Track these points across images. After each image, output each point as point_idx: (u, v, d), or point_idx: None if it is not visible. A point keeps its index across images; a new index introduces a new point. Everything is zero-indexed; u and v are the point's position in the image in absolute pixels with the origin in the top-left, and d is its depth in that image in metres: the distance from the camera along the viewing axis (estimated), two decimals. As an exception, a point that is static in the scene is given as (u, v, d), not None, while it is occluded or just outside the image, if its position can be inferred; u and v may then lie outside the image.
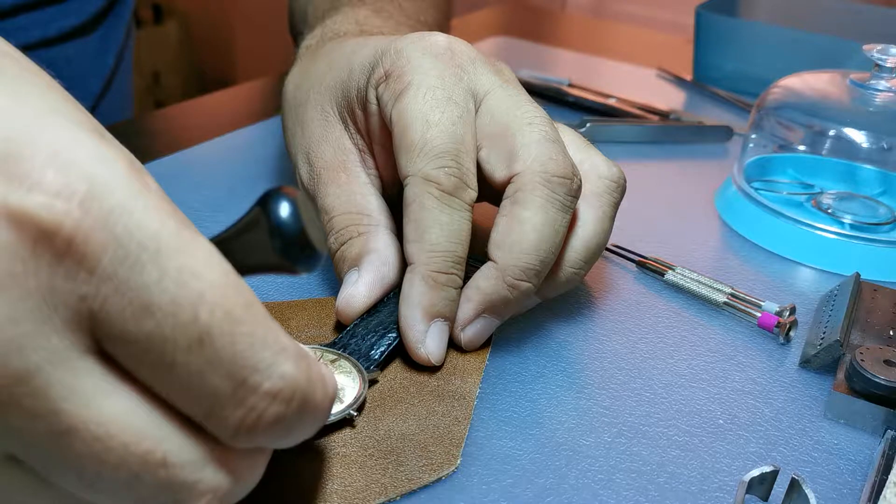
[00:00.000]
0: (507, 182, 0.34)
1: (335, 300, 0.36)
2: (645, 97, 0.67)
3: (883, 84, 0.49)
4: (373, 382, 0.33)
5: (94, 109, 0.69)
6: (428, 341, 0.33)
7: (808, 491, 0.28)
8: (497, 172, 0.34)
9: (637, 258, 0.44)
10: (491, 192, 0.36)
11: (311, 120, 0.39)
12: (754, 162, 0.53)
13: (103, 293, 0.18)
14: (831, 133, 0.50)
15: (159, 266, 0.19)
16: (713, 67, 0.73)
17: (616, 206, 0.37)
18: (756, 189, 0.50)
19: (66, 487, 0.20)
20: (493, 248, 0.33)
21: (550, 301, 0.39)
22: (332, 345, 0.34)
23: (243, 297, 0.20)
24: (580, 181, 0.34)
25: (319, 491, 0.28)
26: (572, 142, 0.37)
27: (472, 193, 0.33)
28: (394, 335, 0.34)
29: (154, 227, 0.19)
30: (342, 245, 0.36)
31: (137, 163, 0.22)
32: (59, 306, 0.18)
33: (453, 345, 0.35)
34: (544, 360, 0.36)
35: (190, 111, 0.65)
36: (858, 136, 0.49)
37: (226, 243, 0.22)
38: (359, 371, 0.32)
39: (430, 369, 0.34)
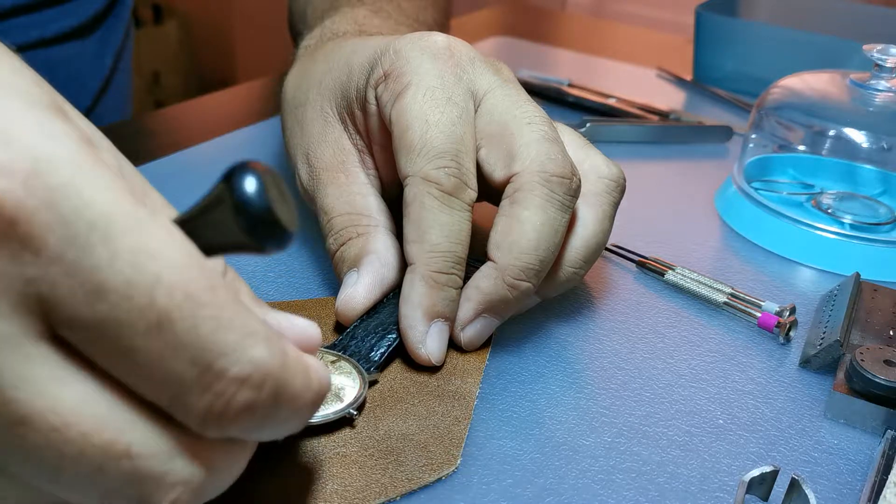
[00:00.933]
0: (507, 182, 0.34)
1: (335, 300, 0.36)
2: (645, 97, 0.67)
3: (883, 84, 0.49)
4: (373, 383, 0.33)
5: (92, 109, 0.69)
6: (428, 342, 0.33)
7: (808, 491, 0.28)
8: (496, 172, 0.34)
9: (637, 258, 0.44)
10: (491, 191, 0.36)
11: (311, 120, 0.39)
12: (754, 162, 0.53)
13: (52, 275, 0.17)
14: (831, 133, 0.50)
15: (111, 246, 0.18)
16: (713, 67, 0.73)
17: (616, 205, 0.37)
18: (756, 189, 0.50)
19: (29, 481, 0.19)
20: (493, 248, 0.33)
21: (550, 301, 0.39)
22: (332, 346, 0.34)
23: (206, 279, 0.19)
24: (579, 180, 0.34)
25: (319, 491, 0.28)
26: (572, 141, 0.37)
27: (472, 193, 0.33)
28: (393, 336, 0.34)
29: (105, 205, 0.18)
30: (341, 246, 0.36)
31: (98, 139, 0.21)
32: (5, 290, 0.17)
33: (453, 345, 0.35)
34: (544, 360, 0.36)
35: (190, 111, 0.65)
36: (858, 136, 0.49)
37: (189, 223, 0.20)
38: (359, 372, 0.32)
39: (431, 369, 0.34)
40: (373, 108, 0.36)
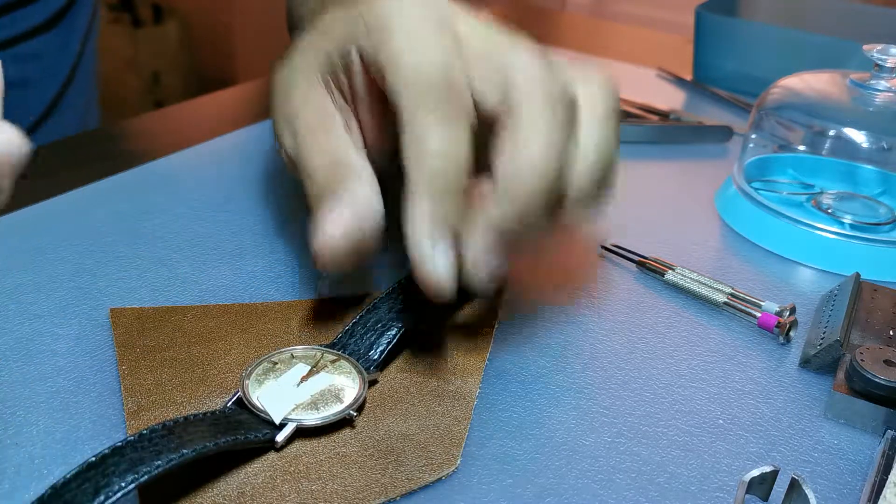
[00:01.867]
0: (500, 107, 0.33)
1: (335, 300, 0.36)
2: (645, 97, 0.67)
3: (883, 84, 0.49)
4: (373, 383, 0.33)
5: (62, 94, 0.71)
6: (437, 257, 0.31)
7: (808, 491, 0.28)
8: (488, 99, 0.33)
9: (637, 258, 0.44)
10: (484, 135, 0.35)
11: (295, 87, 0.38)
12: (754, 162, 0.53)
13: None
14: (831, 133, 0.50)
15: None
16: (713, 67, 0.73)
17: (614, 115, 0.36)
18: (756, 189, 0.50)
19: None
20: (500, 174, 0.32)
21: (550, 302, 0.39)
22: (331, 345, 0.34)
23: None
24: (575, 97, 0.33)
25: (319, 491, 0.28)
26: (558, 61, 0.36)
27: (472, 113, 0.32)
28: (393, 333, 0.34)
29: None
30: (322, 190, 0.34)
31: None
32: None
33: (453, 345, 0.35)
34: (544, 360, 0.36)
35: (190, 111, 0.65)
36: (858, 136, 0.49)
37: None
38: (359, 372, 0.32)
39: (429, 371, 0.34)
40: (356, 66, 0.35)
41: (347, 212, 0.33)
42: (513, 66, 0.33)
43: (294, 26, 0.57)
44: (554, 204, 0.33)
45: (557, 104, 0.32)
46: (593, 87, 0.36)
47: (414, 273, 0.32)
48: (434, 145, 0.31)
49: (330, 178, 0.34)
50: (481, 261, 0.33)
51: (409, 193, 0.32)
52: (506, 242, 0.33)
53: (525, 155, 0.32)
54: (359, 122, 0.37)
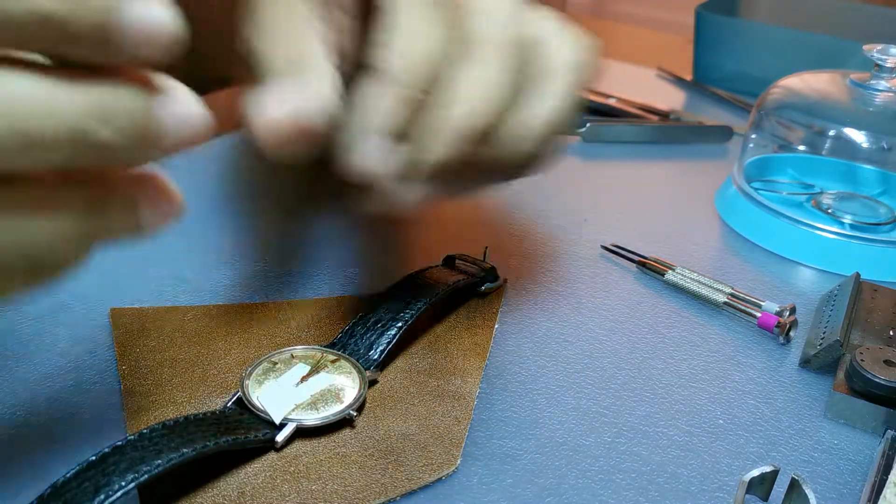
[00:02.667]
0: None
1: (335, 300, 0.36)
2: (645, 97, 0.67)
3: (883, 84, 0.49)
4: (373, 383, 0.33)
5: None
6: (373, 152, 0.30)
7: (808, 491, 0.28)
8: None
9: (637, 258, 0.44)
10: None
11: None
12: (754, 162, 0.53)
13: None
14: (831, 133, 0.50)
15: None
16: (713, 67, 0.73)
17: (580, 72, 0.34)
18: (756, 189, 0.50)
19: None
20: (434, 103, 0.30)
21: (550, 302, 0.39)
22: (331, 345, 0.34)
23: None
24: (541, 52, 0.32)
25: (319, 491, 0.28)
26: (543, 16, 0.35)
27: (458, 13, 0.31)
28: (392, 332, 0.34)
29: None
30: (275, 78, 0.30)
31: None
32: None
33: (453, 345, 0.35)
34: (544, 360, 0.36)
35: (190, 111, 0.65)
36: (858, 136, 0.49)
37: None
38: (359, 371, 0.32)
39: (429, 371, 0.34)
40: None
41: (296, 98, 0.29)
42: (480, 5, 0.31)
43: None
44: (486, 146, 0.31)
45: (510, 48, 0.31)
46: (564, 41, 0.34)
47: (344, 160, 0.30)
48: (420, 43, 0.30)
49: (287, 69, 0.30)
50: (412, 182, 0.31)
51: (371, 82, 0.30)
52: (431, 173, 0.31)
53: (462, 90, 0.30)
54: (334, 24, 0.33)
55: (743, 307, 0.40)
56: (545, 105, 0.33)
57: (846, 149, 0.50)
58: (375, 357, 0.33)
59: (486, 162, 0.32)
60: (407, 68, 0.30)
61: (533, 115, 0.32)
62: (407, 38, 0.30)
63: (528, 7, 0.33)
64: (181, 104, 0.23)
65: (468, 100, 0.30)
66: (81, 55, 0.20)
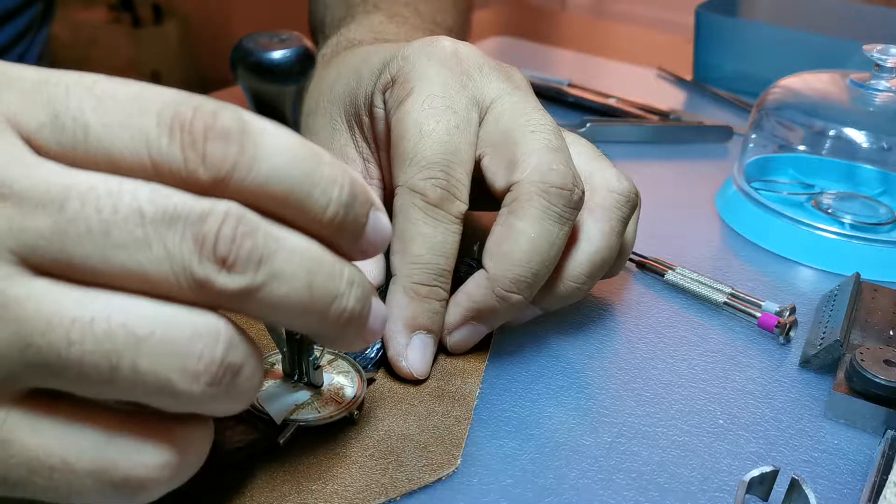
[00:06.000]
0: (507, 191, 0.33)
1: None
2: (645, 97, 0.67)
3: (883, 84, 0.49)
4: (370, 381, 0.33)
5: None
6: (410, 354, 0.33)
7: (808, 491, 0.28)
8: (497, 181, 0.33)
9: (637, 258, 0.44)
10: (496, 201, 0.35)
11: (319, 128, 0.39)
12: (754, 162, 0.53)
13: None
14: (831, 133, 0.50)
15: None
16: (713, 67, 0.73)
17: (625, 221, 0.36)
18: (756, 189, 0.50)
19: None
20: (486, 257, 0.33)
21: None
22: (331, 345, 0.34)
23: None
24: (582, 192, 0.33)
25: (319, 491, 0.28)
26: (583, 152, 0.36)
27: (461, 206, 0.33)
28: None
29: None
30: None
31: None
32: None
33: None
34: (544, 360, 0.36)
35: (190, 111, 0.65)
36: (858, 136, 0.49)
37: None
38: (357, 371, 0.32)
39: (430, 369, 0.34)
40: (380, 112, 0.35)
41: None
42: (524, 152, 0.33)
43: (316, 40, 0.57)
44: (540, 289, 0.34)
45: (557, 196, 0.32)
46: (608, 181, 0.35)
47: (389, 362, 0.33)
48: (416, 249, 0.32)
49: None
50: (458, 346, 0.35)
51: (391, 282, 0.33)
52: (484, 323, 0.34)
53: (512, 242, 0.32)
54: (379, 165, 0.37)
55: (743, 307, 0.40)
56: (592, 247, 0.35)
57: (846, 149, 0.50)
58: (372, 356, 0.33)
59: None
60: (419, 273, 0.33)
61: (583, 259, 0.35)
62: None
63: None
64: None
65: (519, 263, 0.32)
66: None
